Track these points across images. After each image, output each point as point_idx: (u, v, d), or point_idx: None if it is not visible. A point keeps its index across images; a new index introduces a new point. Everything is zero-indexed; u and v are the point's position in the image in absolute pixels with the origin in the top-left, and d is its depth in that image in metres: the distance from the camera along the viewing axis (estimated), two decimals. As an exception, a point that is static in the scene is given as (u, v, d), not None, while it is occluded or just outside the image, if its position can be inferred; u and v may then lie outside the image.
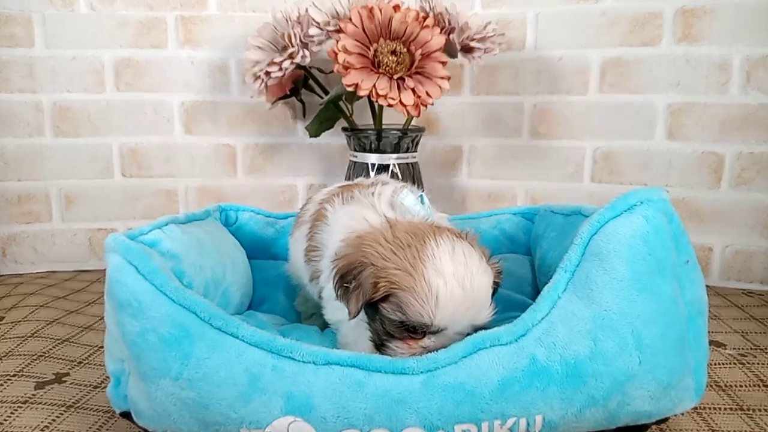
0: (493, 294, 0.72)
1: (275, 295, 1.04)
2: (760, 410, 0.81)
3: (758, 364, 0.93)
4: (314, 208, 0.90)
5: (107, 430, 0.77)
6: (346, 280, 0.70)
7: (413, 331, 0.68)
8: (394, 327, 0.69)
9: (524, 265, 1.05)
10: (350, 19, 1.11)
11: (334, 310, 0.77)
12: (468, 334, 0.70)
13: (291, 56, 1.16)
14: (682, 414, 0.73)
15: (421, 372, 0.63)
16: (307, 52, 1.18)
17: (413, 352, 0.68)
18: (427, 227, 0.73)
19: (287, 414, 0.62)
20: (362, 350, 0.74)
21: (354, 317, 0.69)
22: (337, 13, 1.19)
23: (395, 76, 1.11)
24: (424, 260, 0.67)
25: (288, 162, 1.52)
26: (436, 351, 0.66)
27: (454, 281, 0.66)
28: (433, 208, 0.84)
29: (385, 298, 0.68)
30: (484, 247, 0.75)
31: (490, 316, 0.70)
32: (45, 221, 1.47)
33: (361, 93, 1.09)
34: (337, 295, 0.71)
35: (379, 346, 0.71)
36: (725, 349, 0.99)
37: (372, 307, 0.70)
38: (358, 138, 1.27)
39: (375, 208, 0.78)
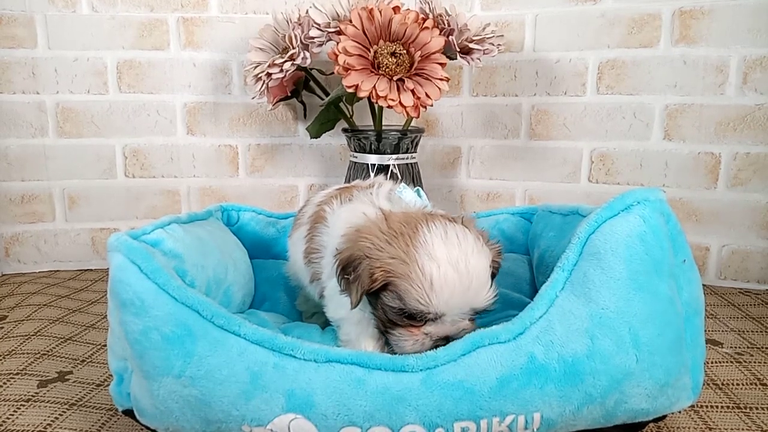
0: (494, 275, 0.72)
1: (276, 294, 1.04)
2: (756, 408, 0.81)
3: (755, 362, 0.94)
4: (312, 210, 0.90)
5: (110, 428, 0.78)
6: (347, 272, 0.71)
7: (413, 318, 0.69)
8: (395, 315, 0.69)
9: (522, 265, 1.06)
10: (350, 21, 1.11)
11: (337, 307, 0.78)
12: (471, 319, 0.70)
13: (292, 58, 1.17)
14: (679, 412, 0.74)
15: (421, 370, 0.63)
16: (307, 54, 1.19)
17: (416, 338, 0.69)
18: (420, 215, 0.73)
19: (288, 411, 0.62)
20: (364, 347, 0.75)
21: (355, 307, 0.70)
22: (337, 14, 1.19)
23: (395, 78, 1.12)
24: (416, 247, 0.67)
25: (289, 162, 1.53)
26: (438, 342, 0.67)
27: (447, 265, 0.66)
28: (431, 203, 0.85)
29: (384, 287, 0.69)
30: (482, 230, 0.75)
31: (491, 299, 0.69)
32: (48, 221, 1.48)
33: (361, 94, 1.09)
34: (340, 286, 0.72)
35: (384, 333, 0.72)
36: (722, 347, 1.00)
37: (375, 297, 0.71)
38: (358, 139, 1.28)
39: (373, 203, 0.79)
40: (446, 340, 0.68)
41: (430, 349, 0.67)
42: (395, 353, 0.69)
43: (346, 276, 0.71)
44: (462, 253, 0.67)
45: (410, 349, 0.69)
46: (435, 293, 0.66)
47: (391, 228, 0.71)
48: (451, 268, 0.66)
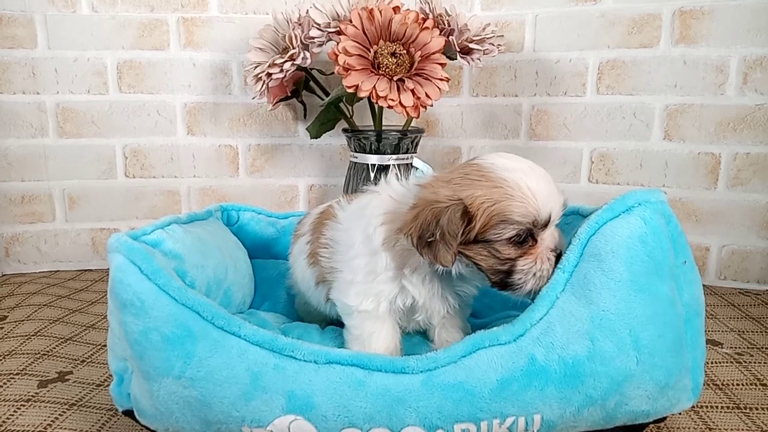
0: None
1: (276, 293, 1.04)
2: (756, 408, 0.81)
3: (755, 362, 0.94)
4: (313, 219, 0.90)
5: (110, 428, 0.78)
6: (428, 236, 0.67)
7: (528, 237, 0.69)
8: (509, 246, 0.69)
9: (523, 266, 1.06)
10: (350, 21, 1.11)
11: (360, 295, 0.75)
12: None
13: (292, 58, 1.17)
14: (680, 413, 0.74)
15: (421, 371, 0.64)
16: (307, 54, 1.19)
17: (540, 257, 0.70)
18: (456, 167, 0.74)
19: (288, 413, 0.63)
20: (374, 348, 0.74)
21: (453, 262, 0.68)
22: (337, 14, 1.19)
23: (395, 78, 1.12)
24: (492, 171, 0.69)
25: (289, 163, 1.53)
26: (557, 255, 0.69)
27: (526, 170, 0.69)
28: None
29: (484, 230, 0.67)
30: None
31: (563, 192, 0.73)
32: (48, 221, 1.47)
33: (361, 94, 1.09)
34: (424, 257, 0.69)
35: (506, 282, 0.71)
36: (722, 348, 1.00)
37: (475, 247, 0.69)
38: (358, 139, 1.28)
39: (392, 187, 0.77)
40: (558, 255, 0.70)
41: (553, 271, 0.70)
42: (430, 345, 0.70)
43: (429, 240, 0.67)
44: (525, 160, 0.70)
45: (542, 272, 0.70)
46: (537, 197, 0.67)
47: (446, 181, 0.70)
48: (531, 173, 0.69)
